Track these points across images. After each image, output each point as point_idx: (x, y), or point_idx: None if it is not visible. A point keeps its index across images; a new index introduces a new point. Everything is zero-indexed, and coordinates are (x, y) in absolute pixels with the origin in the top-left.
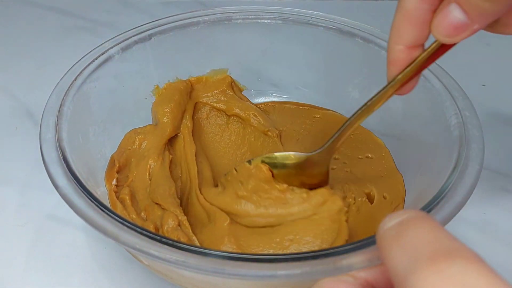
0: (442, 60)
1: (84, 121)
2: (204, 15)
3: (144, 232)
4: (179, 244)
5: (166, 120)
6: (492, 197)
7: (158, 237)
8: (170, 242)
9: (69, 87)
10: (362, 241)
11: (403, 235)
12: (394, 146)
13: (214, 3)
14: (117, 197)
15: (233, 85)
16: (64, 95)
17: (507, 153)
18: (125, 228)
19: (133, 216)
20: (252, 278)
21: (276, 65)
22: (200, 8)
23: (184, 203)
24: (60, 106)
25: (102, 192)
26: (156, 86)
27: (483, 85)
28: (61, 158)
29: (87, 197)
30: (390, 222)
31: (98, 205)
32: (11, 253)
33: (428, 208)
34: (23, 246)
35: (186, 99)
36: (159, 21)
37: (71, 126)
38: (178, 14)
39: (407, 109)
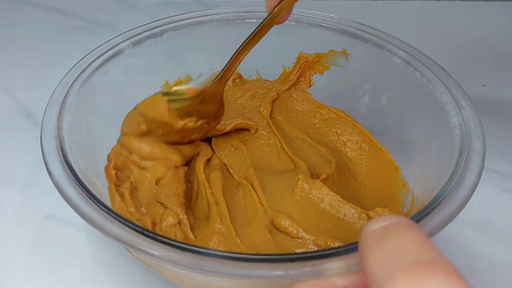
0: (442, 60)
1: (89, 113)
2: (217, 13)
3: (128, 224)
4: (160, 238)
5: None
6: (492, 197)
7: (140, 229)
8: (151, 234)
9: (75, 79)
10: (342, 247)
11: (386, 241)
12: (396, 150)
13: (214, 3)
14: (117, 190)
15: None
16: (70, 86)
17: (507, 153)
18: (111, 219)
19: (132, 209)
20: (228, 276)
21: (288, 66)
22: (201, 8)
23: (194, 198)
24: (65, 97)
25: (103, 183)
26: (166, 82)
27: (483, 85)
28: (58, 147)
29: (79, 186)
30: (375, 225)
31: (88, 195)
32: (11, 252)
33: (419, 216)
34: (23, 245)
35: None
36: (172, 17)
37: (75, 117)
38: (191, 12)
39: (411, 116)
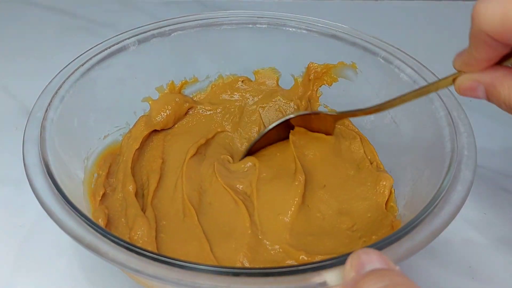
0: (442, 60)
1: (85, 106)
2: (228, 16)
3: (121, 243)
4: (160, 258)
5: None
6: (492, 197)
7: (137, 249)
8: (150, 255)
9: (74, 71)
10: (331, 259)
11: None
12: (389, 153)
13: (214, 3)
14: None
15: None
16: (66, 78)
17: (507, 153)
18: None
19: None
20: None
21: (297, 75)
22: (201, 9)
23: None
24: (59, 88)
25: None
26: (171, 81)
27: None
28: (39, 135)
29: (47, 174)
30: (376, 285)
31: (68, 205)
32: (10, 253)
33: (420, 218)
34: (23, 245)
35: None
36: (180, 18)
37: (67, 108)
38: (201, 13)
39: (399, 117)
